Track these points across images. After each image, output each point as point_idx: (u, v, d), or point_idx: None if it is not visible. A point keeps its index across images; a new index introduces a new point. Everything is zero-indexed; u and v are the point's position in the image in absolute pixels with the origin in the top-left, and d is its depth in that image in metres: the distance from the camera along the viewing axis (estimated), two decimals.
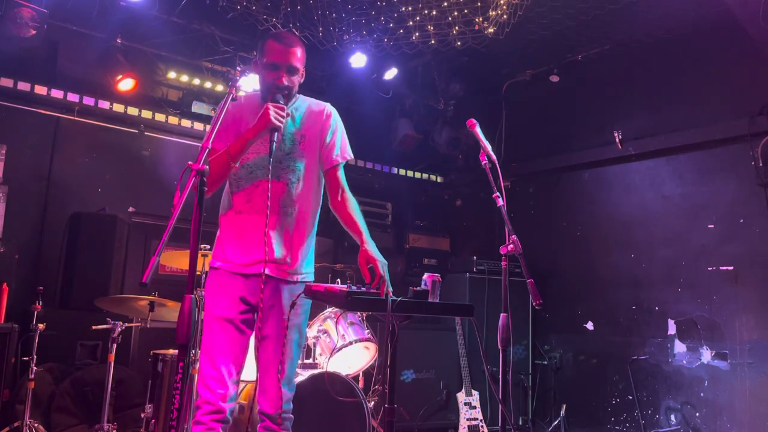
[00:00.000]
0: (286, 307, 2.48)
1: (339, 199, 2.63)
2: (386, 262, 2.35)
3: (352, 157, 2.70)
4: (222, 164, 2.40)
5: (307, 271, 2.61)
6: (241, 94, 2.72)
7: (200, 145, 2.03)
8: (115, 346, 3.75)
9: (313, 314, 4.20)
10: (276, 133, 2.41)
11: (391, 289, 2.25)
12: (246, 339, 2.49)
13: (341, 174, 2.67)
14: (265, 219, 2.39)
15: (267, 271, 2.44)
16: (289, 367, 2.48)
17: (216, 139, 2.37)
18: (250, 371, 3.17)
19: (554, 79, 6.24)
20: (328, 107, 2.69)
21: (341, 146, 2.67)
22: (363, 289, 2.23)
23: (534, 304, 2.53)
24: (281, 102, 2.45)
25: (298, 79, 2.57)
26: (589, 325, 5.92)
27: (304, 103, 2.68)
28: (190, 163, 1.90)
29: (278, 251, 2.50)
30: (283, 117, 2.41)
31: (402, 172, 7.40)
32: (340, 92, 6.07)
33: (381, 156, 7.08)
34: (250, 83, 5.42)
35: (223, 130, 2.51)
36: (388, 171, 7.24)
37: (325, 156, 2.63)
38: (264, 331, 2.47)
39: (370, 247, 2.41)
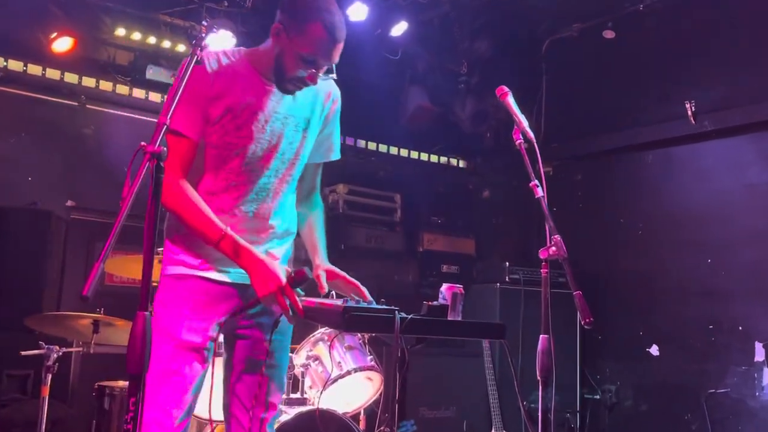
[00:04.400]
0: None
1: (307, 199, 2.90)
2: None
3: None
4: (202, 237, 2.45)
5: None
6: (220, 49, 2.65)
7: (156, 121, 2.03)
8: (50, 376, 3.75)
9: (301, 336, 4.23)
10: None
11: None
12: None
13: (320, 171, 2.92)
14: None
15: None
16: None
17: (182, 117, 2.40)
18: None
19: (609, 35, 6.21)
20: (335, 88, 2.80)
21: (337, 141, 2.88)
22: (364, 304, 2.23)
23: (583, 322, 2.52)
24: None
25: None
26: (654, 350, 5.90)
27: None
28: (143, 144, 1.90)
29: None
30: (272, 293, 2.36)
31: (414, 155, 7.39)
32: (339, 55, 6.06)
33: (387, 134, 7.06)
34: (218, 41, 5.41)
35: (192, 105, 2.44)
36: (396, 154, 7.23)
37: (318, 147, 2.81)
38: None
39: (323, 258, 2.74)
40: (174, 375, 2.44)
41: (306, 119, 2.66)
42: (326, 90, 2.74)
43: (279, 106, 2.59)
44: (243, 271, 2.43)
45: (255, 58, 2.59)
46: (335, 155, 2.86)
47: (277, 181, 2.62)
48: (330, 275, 2.65)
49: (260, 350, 2.61)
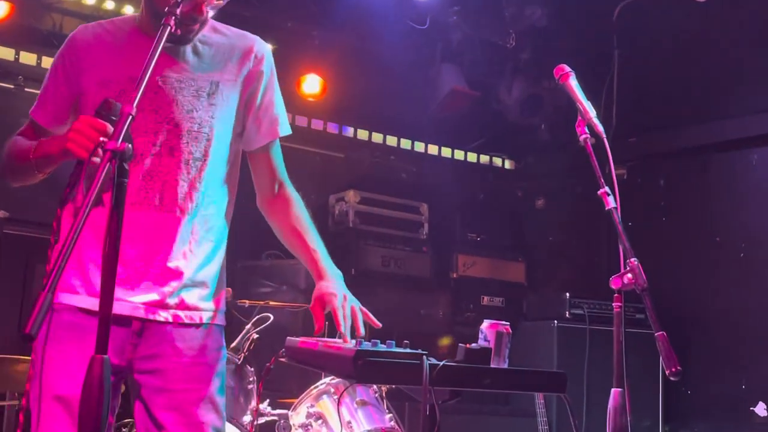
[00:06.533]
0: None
1: (275, 195, 2.79)
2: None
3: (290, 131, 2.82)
4: (23, 167, 2.48)
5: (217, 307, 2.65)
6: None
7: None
8: None
9: (301, 388, 4.23)
10: (85, 166, 2.31)
11: (362, 332, 2.42)
12: None
13: (278, 155, 2.82)
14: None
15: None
16: None
17: (48, 102, 2.61)
18: None
19: None
20: (260, 42, 2.75)
21: (281, 111, 2.79)
22: (383, 346, 2.24)
23: (667, 372, 2.52)
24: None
25: None
26: (760, 409, 5.87)
27: (216, 31, 2.68)
28: (102, 139, 1.92)
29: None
30: (93, 143, 2.16)
31: (446, 152, 7.40)
32: (345, 22, 6.08)
33: (412, 126, 7.08)
34: None
35: (52, 91, 2.62)
36: (422, 151, 7.25)
37: (256, 125, 2.74)
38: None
39: (331, 277, 2.59)
40: None
41: (214, 83, 2.62)
42: (244, 45, 2.71)
43: (169, 69, 2.56)
44: (136, 294, 2.44)
45: (138, 15, 2.68)
46: (283, 130, 2.78)
47: (174, 163, 2.54)
48: (316, 302, 2.55)
49: (161, 404, 2.49)
